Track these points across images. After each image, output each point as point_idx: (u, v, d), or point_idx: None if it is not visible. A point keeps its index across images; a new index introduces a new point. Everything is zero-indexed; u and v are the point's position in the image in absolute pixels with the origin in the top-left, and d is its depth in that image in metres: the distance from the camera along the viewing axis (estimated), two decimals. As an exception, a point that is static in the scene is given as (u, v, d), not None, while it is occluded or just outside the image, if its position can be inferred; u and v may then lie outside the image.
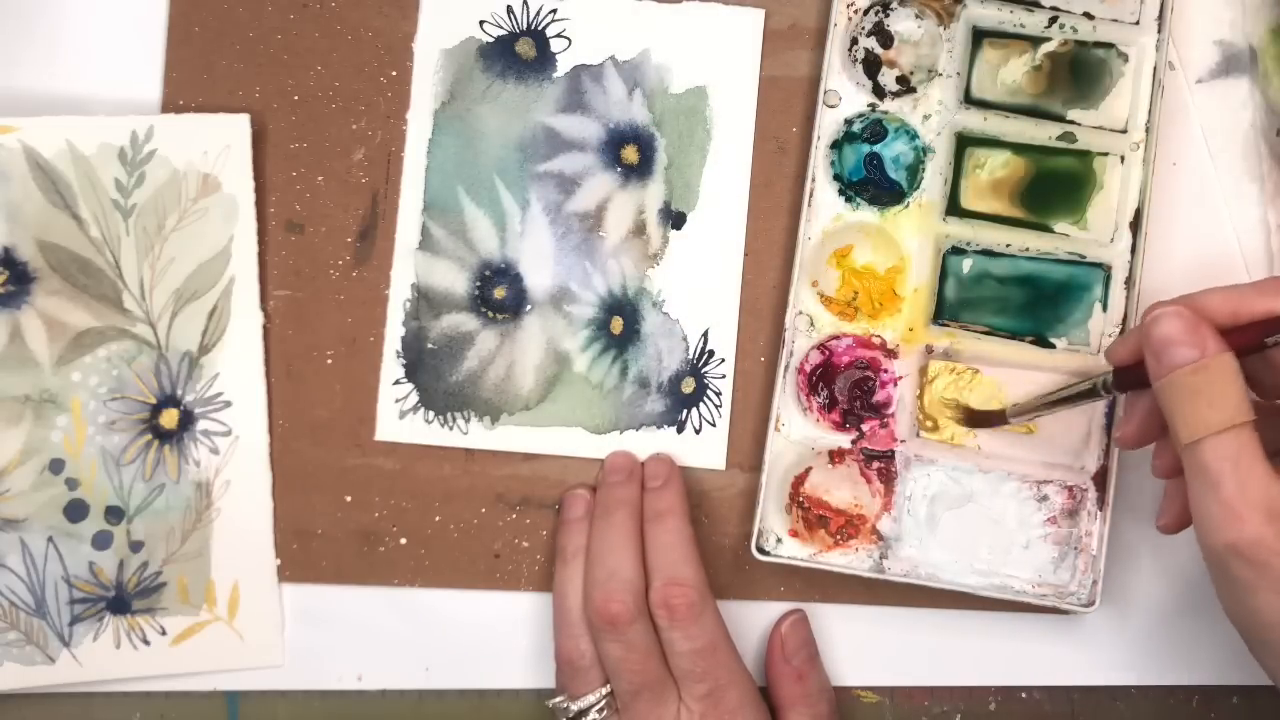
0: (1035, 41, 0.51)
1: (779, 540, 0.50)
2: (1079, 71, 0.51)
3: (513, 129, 0.51)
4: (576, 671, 0.48)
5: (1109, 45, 0.51)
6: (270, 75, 0.50)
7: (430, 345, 0.51)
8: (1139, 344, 0.41)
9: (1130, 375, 0.43)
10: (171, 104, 0.49)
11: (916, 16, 0.51)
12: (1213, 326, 0.39)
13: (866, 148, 0.51)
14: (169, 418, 0.49)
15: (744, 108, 0.51)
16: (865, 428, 0.51)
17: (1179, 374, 0.39)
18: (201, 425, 0.49)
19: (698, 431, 0.51)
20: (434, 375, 0.51)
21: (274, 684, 0.50)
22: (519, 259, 0.51)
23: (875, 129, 0.51)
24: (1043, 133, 0.51)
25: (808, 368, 0.51)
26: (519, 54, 0.51)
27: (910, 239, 0.51)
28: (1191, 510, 0.39)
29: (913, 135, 0.51)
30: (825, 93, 0.51)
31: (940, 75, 0.51)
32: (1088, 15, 0.51)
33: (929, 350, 0.51)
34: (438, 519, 0.51)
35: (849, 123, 0.51)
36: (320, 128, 0.50)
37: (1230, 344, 0.39)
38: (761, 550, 0.50)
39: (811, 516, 0.51)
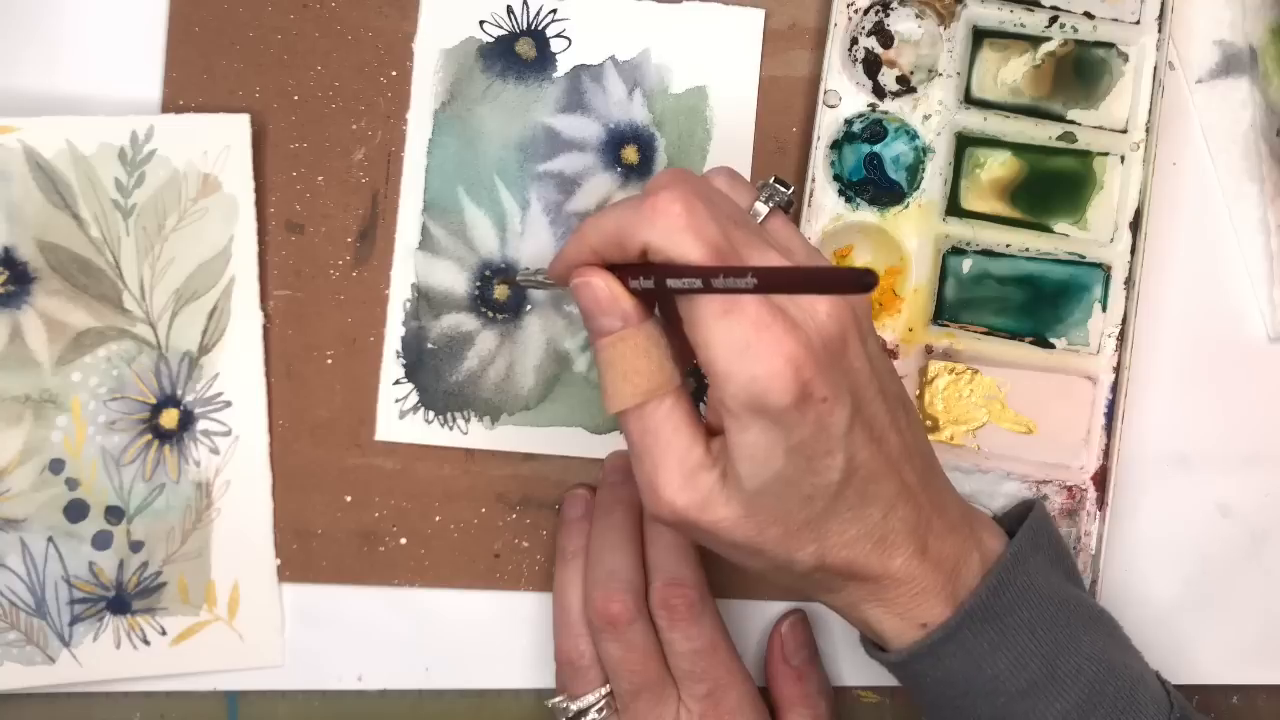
0: (1035, 41, 0.51)
1: (779, 540, 0.50)
2: (1079, 71, 0.51)
3: (513, 129, 0.51)
4: (576, 671, 0.48)
5: (1109, 45, 0.51)
6: (270, 75, 0.50)
7: (430, 345, 0.51)
8: (564, 277, 0.41)
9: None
10: (171, 104, 0.49)
11: (916, 16, 0.51)
12: (629, 294, 0.39)
13: (866, 148, 0.51)
14: (169, 418, 0.49)
15: (744, 108, 0.51)
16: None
17: (603, 343, 0.39)
18: (201, 425, 0.49)
19: (698, 431, 0.51)
20: (434, 375, 0.51)
21: (274, 684, 0.50)
22: (519, 259, 0.51)
23: (875, 129, 0.51)
24: (1043, 133, 0.51)
25: (807, 368, 0.51)
26: (519, 54, 0.51)
27: (910, 239, 0.51)
28: (635, 476, 0.40)
29: (913, 135, 0.51)
30: (825, 93, 0.51)
31: (940, 75, 0.51)
32: (1088, 15, 0.51)
33: (929, 350, 0.51)
34: (438, 519, 0.51)
35: (849, 123, 0.51)
36: (320, 128, 0.50)
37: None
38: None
39: (811, 516, 0.51)
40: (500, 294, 0.51)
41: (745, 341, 0.36)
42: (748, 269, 0.35)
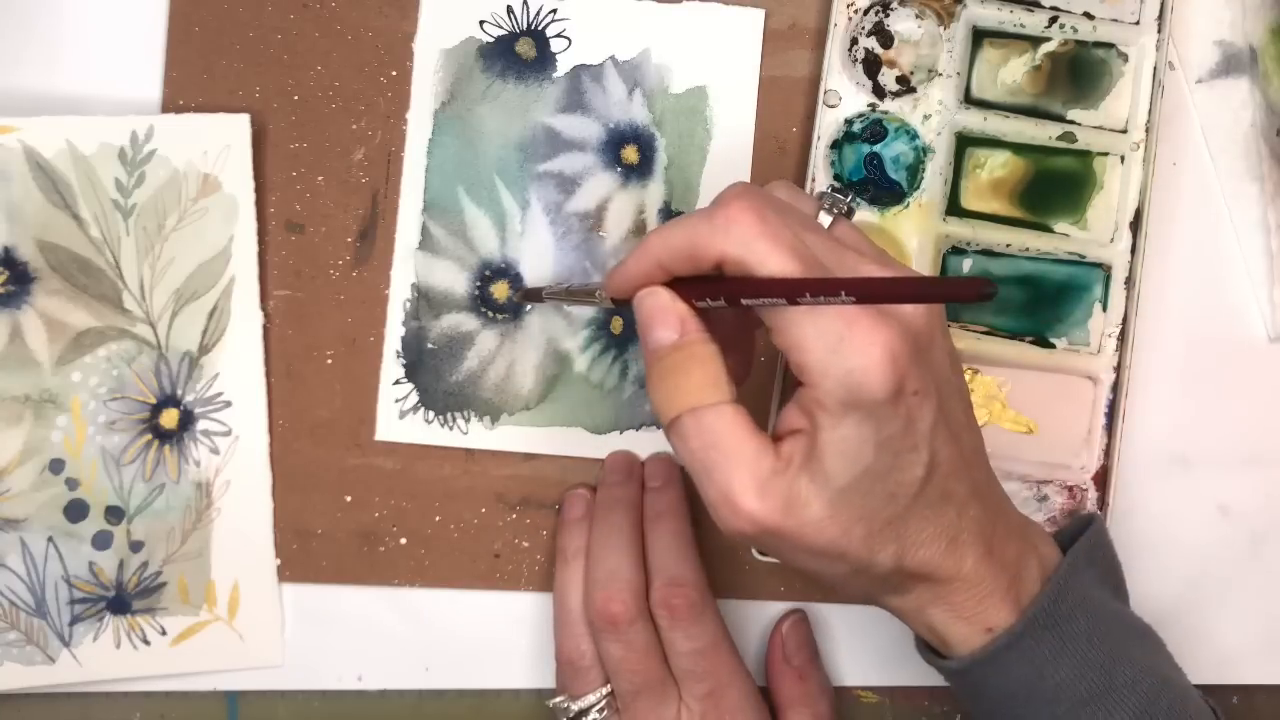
0: (1035, 41, 0.51)
1: (779, 540, 0.50)
2: (1079, 71, 0.51)
3: (513, 129, 0.51)
4: (577, 671, 0.48)
5: (1109, 45, 0.51)
6: (270, 75, 0.50)
7: (430, 345, 0.51)
8: (625, 292, 0.41)
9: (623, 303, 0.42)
10: (171, 104, 0.49)
11: (916, 16, 0.51)
12: (693, 311, 0.39)
13: (866, 148, 0.51)
14: (169, 418, 0.49)
15: (744, 108, 0.51)
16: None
17: (659, 353, 0.39)
18: (201, 425, 0.49)
19: (698, 431, 0.51)
20: (434, 375, 0.51)
21: (274, 684, 0.50)
22: (519, 259, 0.51)
23: (875, 129, 0.51)
24: (1043, 133, 0.51)
25: (808, 368, 0.51)
26: (519, 54, 0.51)
27: (910, 239, 0.51)
28: (701, 492, 0.39)
29: (913, 135, 0.51)
30: (825, 93, 0.51)
31: (940, 75, 0.51)
32: (1088, 15, 0.51)
33: (929, 350, 0.51)
34: (438, 519, 0.51)
35: (849, 123, 0.51)
36: (320, 128, 0.50)
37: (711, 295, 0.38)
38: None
39: (811, 516, 0.51)
40: (500, 294, 0.51)
41: (839, 335, 0.36)
42: (839, 284, 0.35)
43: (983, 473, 0.42)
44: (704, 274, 0.39)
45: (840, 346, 0.36)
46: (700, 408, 0.38)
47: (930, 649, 0.44)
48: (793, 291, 0.36)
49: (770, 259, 0.37)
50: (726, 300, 0.38)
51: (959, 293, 0.35)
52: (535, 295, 0.49)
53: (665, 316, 0.39)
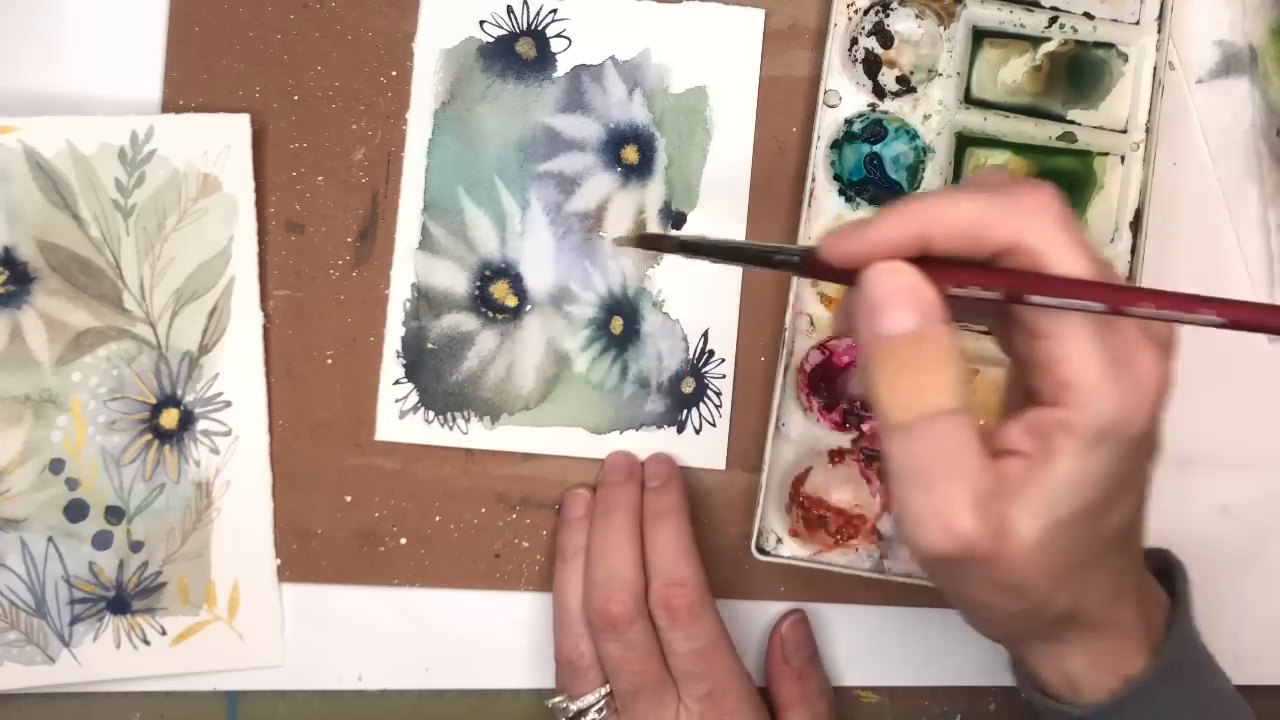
0: (1035, 41, 0.51)
1: (779, 540, 0.50)
2: (1079, 71, 0.51)
3: (513, 129, 0.51)
4: (576, 671, 0.48)
5: (1109, 45, 0.51)
6: (270, 75, 0.50)
7: (430, 345, 0.51)
8: (858, 260, 0.34)
9: (826, 270, 0.36)
10: (171, 104, 0.49)
11: (916, 16, 0.51)
12: (941, 294, 0.33)
13: (866, 148, 0.51)
14: (169, 418, 0.49)
15: (744, 108, 0.51)
16: (866, 427, 0.51)
17: (893, 342, 0.33)
18: (201, 425, 0.49)
19: (698, 431, 0.51)
20: (434, 375, 0.51)
21: (274, 684, 0.50)
22: (519, 259, 0.51)
23: (875, 129, 0.51)
24: (1043, 133, 0.51)
25: (808, 367, 0.51)
26: (519, 54, 0.51)
27: (910, 239, 0.51)
28: (895, 502, 0.34)
29: (913, 135, 0.51)
30: (825, 93, 0.51)
31: (940, 75, 0.51)
32: (1088, 15, 0.51)
33: (929, 350, 0.51)
34: (438, 519, 0.51)
35: (849, 123, 0.51)
36: (320, 128, 0.50)
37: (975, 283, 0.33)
38: (761, 550, 0.50)
39: (812, 516, 0.51)
40: (500, 294, 0.51)
41: (1124, 358, 0.33)
42: (1211, 304, 0.31)
43: (1143, 521, 0.39)
44: (961, 259, 0.34)
45: (1120, 371, 0.33)
46: (940, 414, 0.33)
47: (1037, 690, 0.41)
48: (1110, 299, 0.32)
49: (1071, 256, 0.33)
50: (1007, 295, 0.33)
51: None
52: (653, 241, 0.46)
53: (908, 299, 0.33)
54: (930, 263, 0.34)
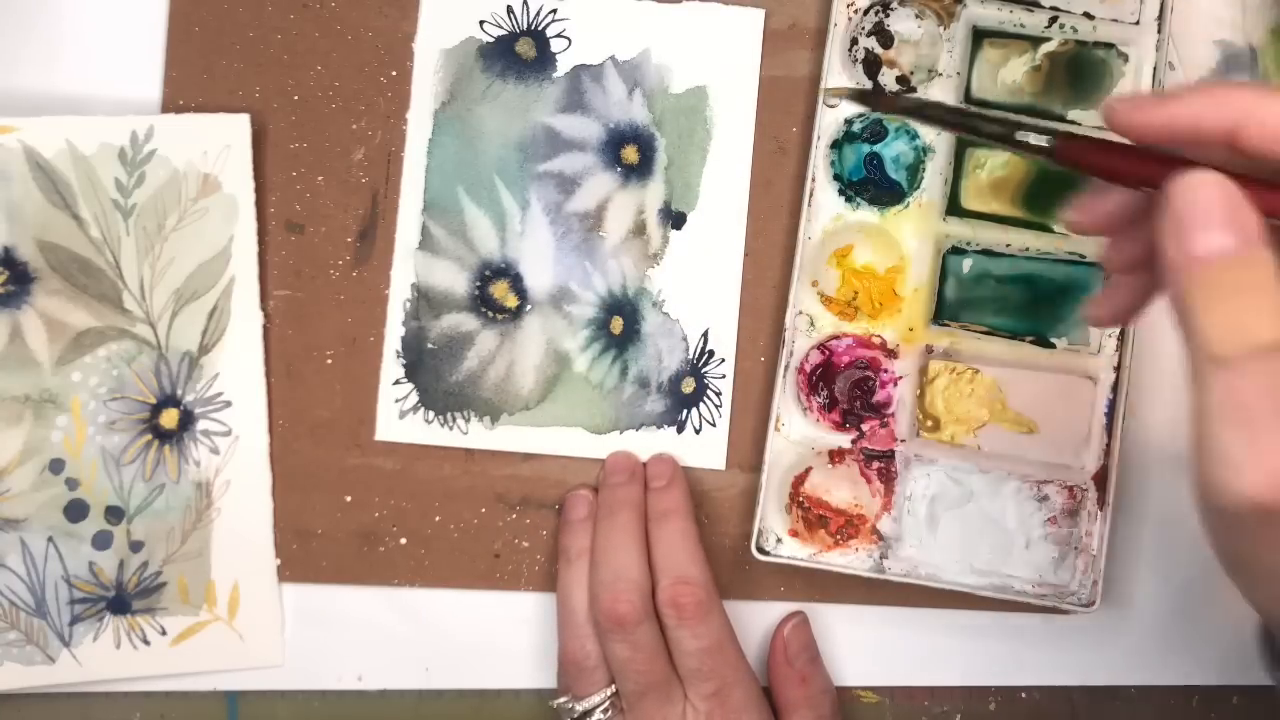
0: (1035, 41, 0.51)
1: (779, 540, 0.50)
2: (1079, 71, 0.51)
3: (513, 129, 0.51)
4: (582, 672, 0.48)
5: (1109, 45, 0.51)
6: (270, 75, 0.50)
7: (430, 345, 0.51)
8: (1153, 134, 0.31)
9: (1088, 157, 0.32)
10: (171, 104, 0.49)
11: (916, 16, 0.51)
12: (1260, 207, 0.30)
13: (866, 148, 0.51)
14: (169, 418, 0.49)
15: (744, 108, 0.51)
16: (865, 427, 0.51)
17: (1214, 265, 0.30)
18: (201, 425, 0.49)
19: (698, 431, 0.51)
20: (434, 375, 0.50)
21: (274, 684, 0.50)
22: (519, 259, 0.51)
23: (875, 129, 0.51)
24: (1043, 133, 0.51)
25: (808, 367, 0.51)
26: (519, 54, 0.51)
27: (910, 239, 0.51)
28: (1200, 442, 0.31)
29: (913, 135, 0.51)
30: (825, 92, 0.51)
31: (940, 75, 0.51)
32: (1088, 15, 0.51)
33: (929, 350, 0.51)
34: (438, 519, 0.51)
35: (849, 123, 0.51)
36: (320, 128, 0.50)
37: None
38: (761, 550, 0.50)
39: (811, 516, 0.51)
40: (500, 294, 0.51)
41: None
42: None
43: None
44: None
45: None
46: (1271, 348, 0.29)
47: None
48: None
49: None
50: None
51: None
52: (871, 99, 0.41)
53: (1229, 216, 0.30)
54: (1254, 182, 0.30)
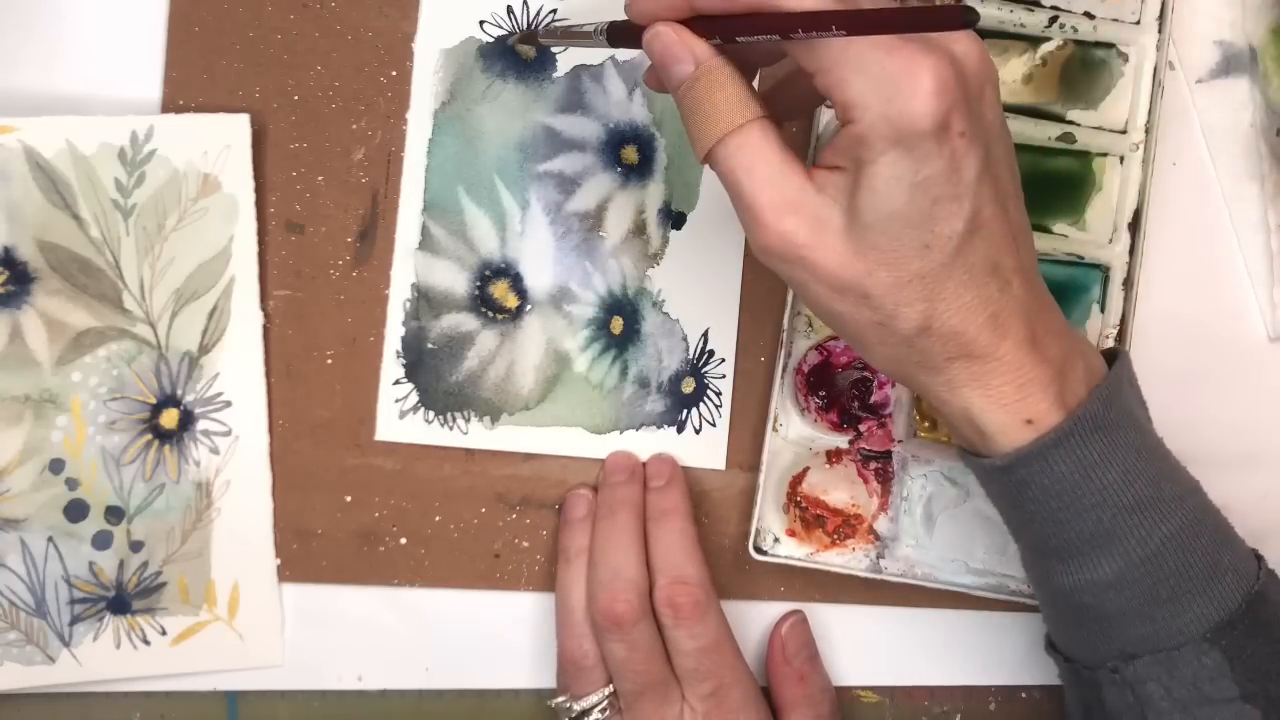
0: (1035, 41, 0.51)
1: (776, 540, 0.50)
2: (1079, 71, 0.51)
3: (513, 129, 0.51)
4: (580, 671, 0.48)
5: (1109, 45, 0.51)
6: (270, 75, 0.50)
7: (430, 345, 0.51)
8: (650, 17, 0.39)
9: (627, 37, 0.42)
10: (171, 104, 0.49)
11: (916, 17, 0.51)
12: (701, 38, 0.38)
13: (866, 148, 0.51)
14: (169, 418, 0.49)
15: (744, 108, 0.51)
16: (863, 428, 0.51)
17: (681, 89, 0.38)
18: (201, 425, 0.49)
19: (698, 431, 0.52)
20: (434, 375, 0.51)
21: (274, 684, 0.50)
22: (519, 259, 0.51)
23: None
24: (1042, 133, 0.51)
25: (806, 368, 0.51)
26: (519, 54, 0.51)
27: (910, 239, 0.51)
28: (739, 218, 0.39)
29: (912, 135, 0.51)
30: (825, 93, 0.51)
31: (940, 75, 0.51)
32: (1088, 15, 0.51)
33: (928, 350, 0.51)
34: (438, 519, 0.51)
35: (849, 123, 0.51)
36: (320, 128, 0.50)
37: (725, 36, 0.38)
38: (759, 550, 0.50)
39: (809, 516, 0.51)
40: (500, 294, 0.51)
41: (881, 65, 0.35)
42: (829, 19, 0.35)
43: (1030, 258, 0.40)
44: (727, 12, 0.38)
45: (884, 76, 0.35)
46: (728, 133, 0.38)
47: (969, 452, 0.42)
48: (790, 26, 0.36)
49: None
50: (745, 32, 0.37)
51: (943, 21, 0.33)
52: (531, 37, 0.49)
53: (678, 50, 0.38)
54: (699, 22, 0.38)
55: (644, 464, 0.51)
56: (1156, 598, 0.41)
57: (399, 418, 0.50)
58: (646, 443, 0.51)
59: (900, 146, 0.35)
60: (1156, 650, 0.41)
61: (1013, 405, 0.39)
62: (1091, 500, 0.40)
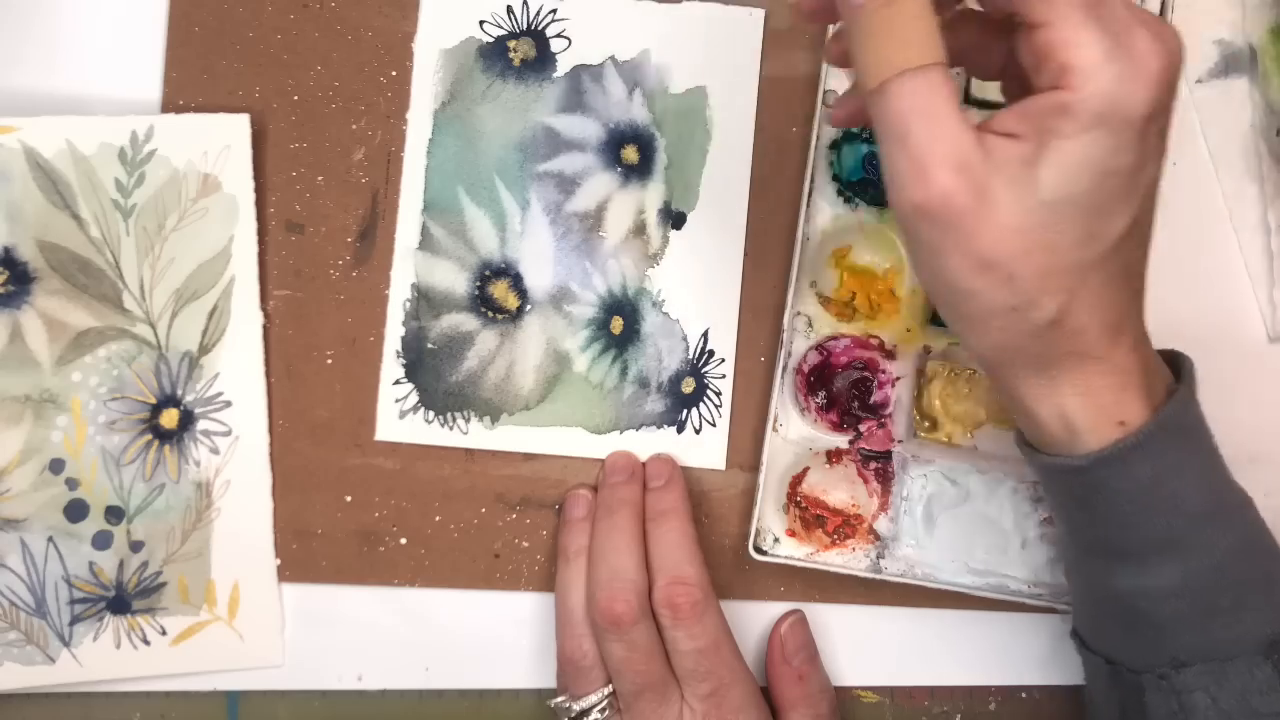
0: (1035, 42, 0.51)
1: (776, 540, 0.50)
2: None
3: (513, 129, 0.51)
4: (579, 671, 0.48)
5: (1109, 45, 0.51)
6: (270, 75, 0.50)
7: (430, 345, 0.51)
8: None
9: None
10: (171, 104, 0.49)
11: (916, 17, 0.51)
12: None
13: (866, 148, 0.51)
14: (169, 418, 0.49)
15: (744, 108, 0.51)
16: (863, 428, 0.51)
17: (864, 10, 0.34)
18: (201, 425, 0.49)
19: (698, 431, 0.52)
20: (434, 375, 0.51)
21: (274, 684, 0.50)
22: (519, 259, 0.51)
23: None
24: (1042, 133, 0.51)
25: (806, 368, 0.51)
26: (519, 54, 0.51)
27: (910, 239, 0.51)
28: (883, 166, 0.35)
29: (912, 135, 0.51)
30: (825, 93, 0.51)
31: (940, 75, 0.51)
32: (1088, 15, 0.51)
33: (926, 351, 0.51)
34: (438, 519, 0.51)
35: (849, 123, 0.51)
36: (320, 128, 0.50)
37: None
38: (759, 550, 0.50)
39: (809, 516, 0.51)
40: (500, 294, 0.51)
41: (1117, 40, 0.33)
42: None
43: (1145, 265, 0.39)
44: None
45: (1120, 50, 0.33)
46: (909, 70, 0.34)
47: (1031, 447, 0.41)
48: None
49: None
50: None
51: None
52: None
53: None
54: None
55: (644, 464, 0.51)
56: (1215, 608, 0.40)
57: (399, 418, 0.50)
58: (646, 443, 0.51)
59: (1105, 128, 0.34)
60: (1208, 660, 0.41)
61: (1109, 407, 0.38)
62: (1162, 506, 0.39)
